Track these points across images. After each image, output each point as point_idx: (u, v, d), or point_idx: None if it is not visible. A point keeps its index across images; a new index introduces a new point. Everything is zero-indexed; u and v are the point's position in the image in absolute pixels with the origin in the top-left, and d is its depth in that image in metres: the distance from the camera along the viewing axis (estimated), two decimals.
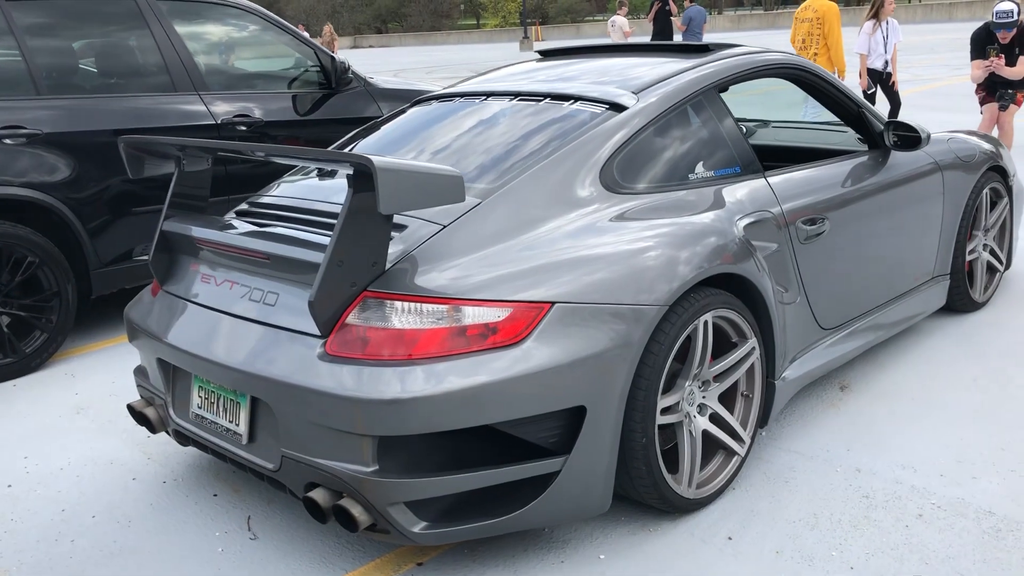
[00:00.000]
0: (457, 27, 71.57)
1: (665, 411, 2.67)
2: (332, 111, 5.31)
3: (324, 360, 2.33)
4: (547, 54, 3.92)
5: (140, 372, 3.03)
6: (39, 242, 4.18)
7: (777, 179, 3.20)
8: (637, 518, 2.77)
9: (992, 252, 4.48)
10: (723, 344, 2.87)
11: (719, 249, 2.73)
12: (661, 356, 2.55)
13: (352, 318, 2.36)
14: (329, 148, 3.35)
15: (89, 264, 4.42)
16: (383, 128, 3.39)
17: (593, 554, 2.60)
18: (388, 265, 2.42)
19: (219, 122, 4.83)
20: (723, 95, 3.28)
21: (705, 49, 3.42)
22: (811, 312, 3.24)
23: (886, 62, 9.37)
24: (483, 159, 2.83)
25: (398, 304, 2.35)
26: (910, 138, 3.60)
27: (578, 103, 3.04)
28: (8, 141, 4.15)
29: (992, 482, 2.87)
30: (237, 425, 2.57)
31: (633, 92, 3.03)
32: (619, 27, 16.15)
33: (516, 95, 3.22)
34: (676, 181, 2.93)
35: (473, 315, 2.34)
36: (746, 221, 2.92)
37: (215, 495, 3.02)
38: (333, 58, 5.37)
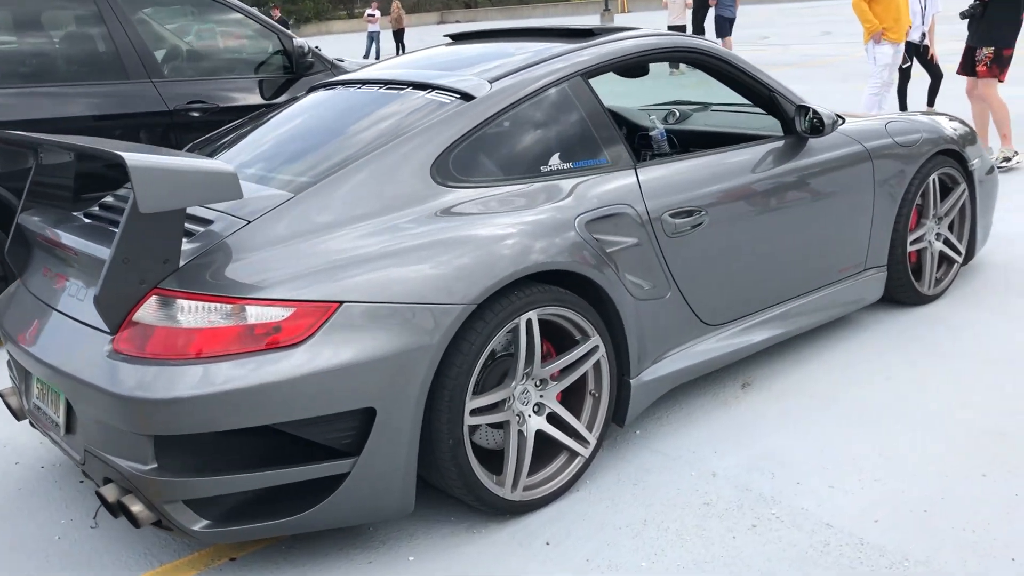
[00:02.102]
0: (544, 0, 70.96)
1: (490, 409, 2.62)
2: (291, 95, 5.33)
3: (110, 358, 2.35)
4: (457, 38, 3.84)
5: (8, 363, 3.11)
6: None
7: (650, 170, 3.06)
8: (466, 519, 2.71)
9: (947, 242, 4.21)
10: (569, 341, 2.79)
11: (546, 245, 2.63)
12: (470, 356, 2.48)
13: (139, 315, 2.36)
14: (202, 138, 3.37)
15: None
16: (263, 117, 3.37)
17: (404, 555, 2.57)
18: (184, 262, 2.41)
19: (171, 108, 4.91)
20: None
21: (589, 34, 3.29)
22: (689, 308, 3.11)
23: (923, 34, 8.90)
24: (317, 151, 2.80)
25: (184, 303, 2.34)
26: (815, 123, 3.41)
27: (433, 92, 2.97)
28: None
29: (849, 492, 2.72)
30: (59, 416, 2.62)
31: (489, 81, 2.95)
32: None
33: (386, 83, 3.17)
34: (520, 174, 2.83)
35: (257, 314, 2.31)
36: (591, 216, 2.81)
37: (81, 481, 3.09)
38: (293, 42, 5.38)
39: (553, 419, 2.77)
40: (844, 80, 12.62)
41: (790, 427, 3.13)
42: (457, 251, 2.50)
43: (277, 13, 19.56)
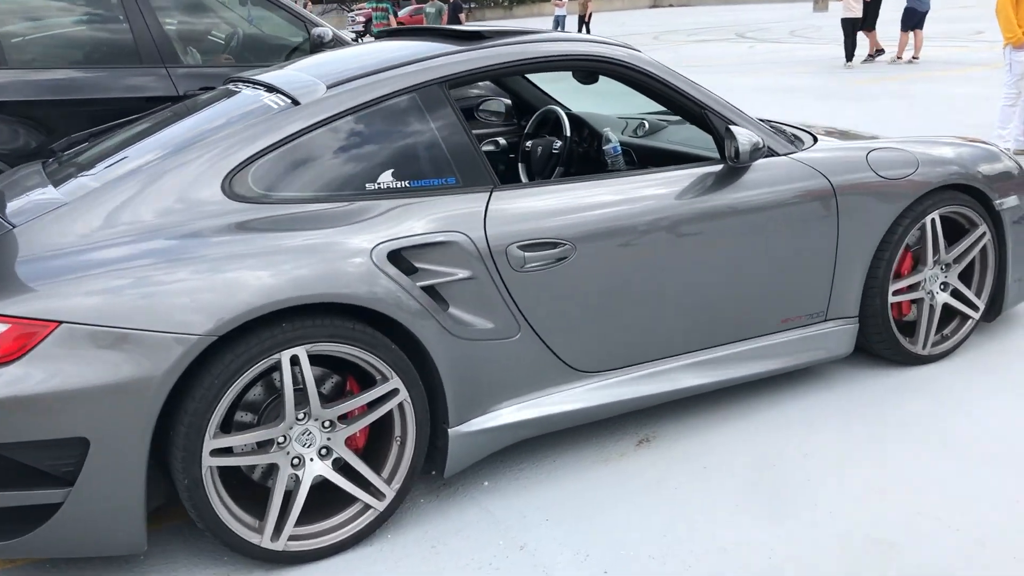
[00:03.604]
0: None
1: (258, 449, 2.40)
2: None
3: None
4: (380, 36, 3.61)
5: None
6: None
7: (509, 195, 2.71)
8: (234, 562, 2.51)
9: (957, 294, 3.54)
10: (371, 381, 2.52)
11: (319, 275, 2.36)
12: (212, 391, 2.27)
13: None
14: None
15: None
16: (151, 115, 3.27)
17: None
18: None
19: (182, 93, 4.94)
20: None
21: (477, 37, 2.96)
22: (550, 351, 2.75)
23: None
24: (130, 154, 2.65)
25: None
26: (735, 149, 2.91)
27: (274, 94, 2.77)
28: None
29: None
30: None
31: (328, 85, 2.70)
32: None
33: (255, 84, 2.99)
34: (336, 191, 2.56)
35: None
36: (404, 243, 2.50)
37: None
38: (313, 31, 5.29)
39: (342, 465, 2.51)
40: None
41: (651, 500, 2.70)
42: (208, 277, 2.28)
43: None
